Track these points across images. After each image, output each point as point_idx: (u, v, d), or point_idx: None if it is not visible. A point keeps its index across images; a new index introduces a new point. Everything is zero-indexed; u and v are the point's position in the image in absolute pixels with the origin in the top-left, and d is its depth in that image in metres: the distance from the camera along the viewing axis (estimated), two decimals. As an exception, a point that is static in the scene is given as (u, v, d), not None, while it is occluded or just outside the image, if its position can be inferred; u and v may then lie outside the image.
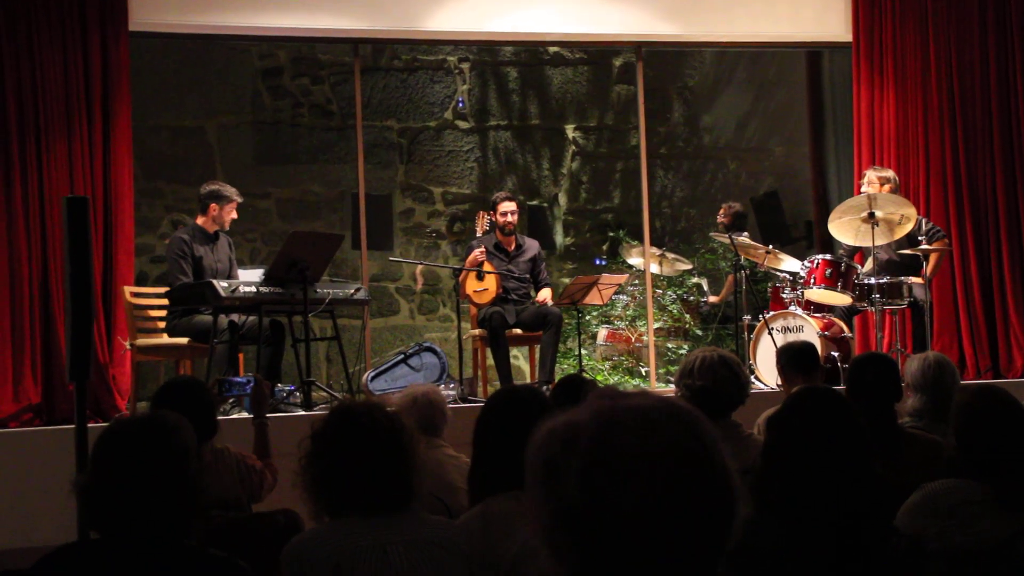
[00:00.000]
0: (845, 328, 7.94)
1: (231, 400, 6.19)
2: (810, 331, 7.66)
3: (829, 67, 10.88)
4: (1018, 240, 8.60)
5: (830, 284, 7.77)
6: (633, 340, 10.22)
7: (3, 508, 6.13)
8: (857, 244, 7.94)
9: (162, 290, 7.38)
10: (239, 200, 7.45)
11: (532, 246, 8.43)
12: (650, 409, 1.38)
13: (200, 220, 7.40)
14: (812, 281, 7.82)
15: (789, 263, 8.26)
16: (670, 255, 9.44)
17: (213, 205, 7.34)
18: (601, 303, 8.66)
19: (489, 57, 11.58)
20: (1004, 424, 3.18)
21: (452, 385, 7.66)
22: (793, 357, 5.38)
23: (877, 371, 4.29)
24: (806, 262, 7.97)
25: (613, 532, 1.32)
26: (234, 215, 7.44)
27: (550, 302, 8.14)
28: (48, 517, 5.74)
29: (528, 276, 8.31)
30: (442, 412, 4.58)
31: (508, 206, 8.21)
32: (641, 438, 1.34)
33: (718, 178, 12.31)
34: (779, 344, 7.64)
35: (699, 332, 10.80)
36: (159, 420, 2.57)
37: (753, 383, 7.35)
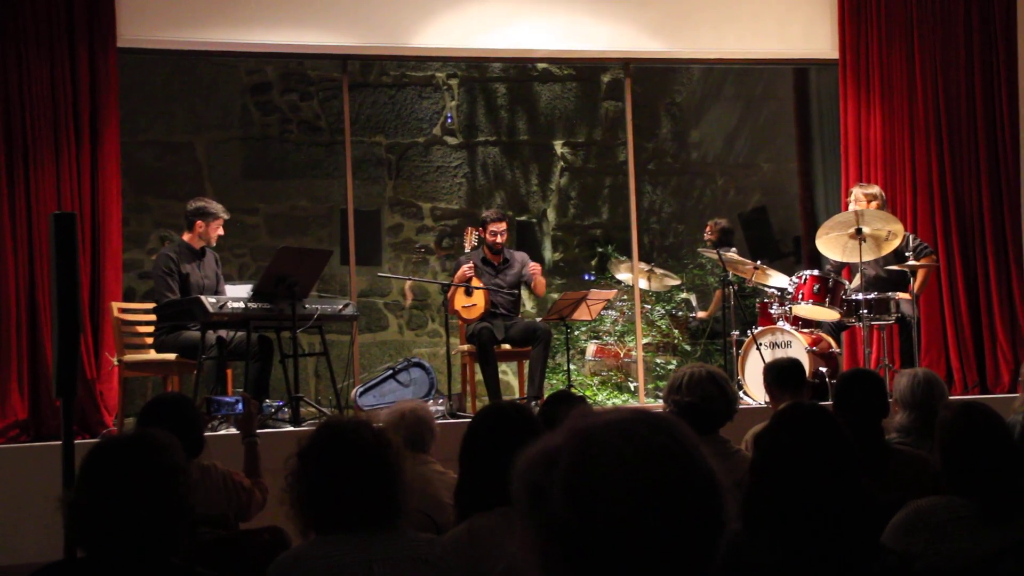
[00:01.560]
0: (833, 344, 7.96)
1: (219, 418, 6.17)
2: (798, 347, 7.67)
3: (816, 83, 10.93)
4: (1004, 256, 8.63)
5: (818, 300, 7.79)
6: (622, 355, 10.23)
7: (-11, 525, 6.10)
8: (845, 260, 7.96)
9: (150, 306, 7.36)
10: (225, 217, 7.44)
11: (518, 258, 8.41)
12: (624, 419, 1.40)
13: (186, 236, 7.39)
14: (800, 297, 7.84)
15: (777, 279, 8.28)
16: (658, 270, 9.45)
17: (199, 222, 7.33)
18: (590, 318, 8.66)
19: (477, 73, 11.61)
20: (987, 440, 3.18)
21: (441, 401, 7.66)
22: (780, 374, 5.40)
23: (864, 387, 4.30)
24: (794, 278, 7.99)
25: (605, 543, 1.33)
26: (220, 231, 7.43)
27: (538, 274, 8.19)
28: (34, 534, 5.71)
29: (517, 290, 8.32)
30: (430, 428, 4.57)
31: (499, 227, 8.21)
32: (618, 446, 1.36)
33: (706, 194, 12.35)
34: (767, 360, 7.65)
35: (688, 347, 10.81)
36: (149, 438, 2.56)
37: (741, 399, 7.36)
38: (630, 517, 1.32)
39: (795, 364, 5.56)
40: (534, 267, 8.28)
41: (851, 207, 7.95)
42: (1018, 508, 3.15)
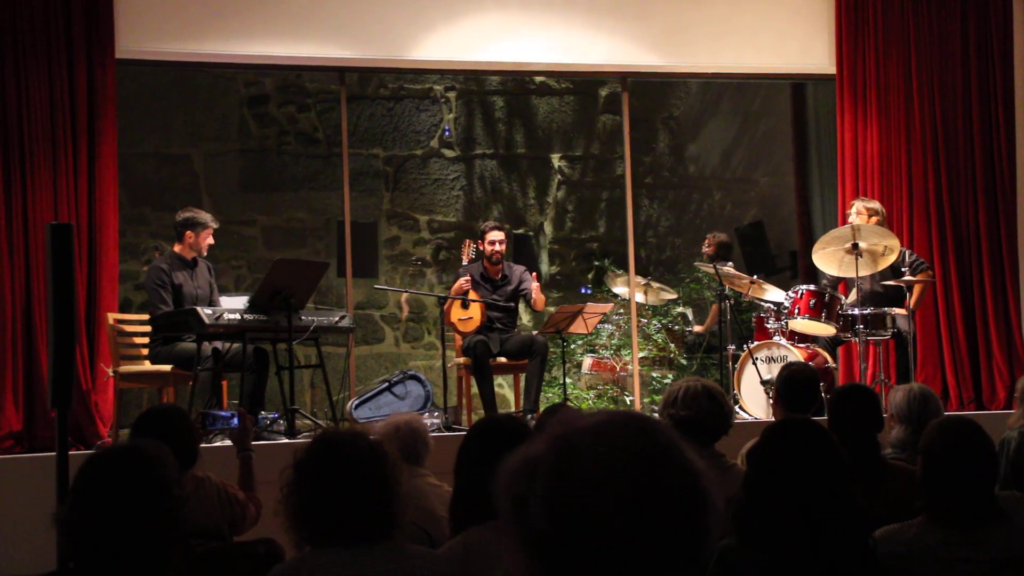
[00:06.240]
0: (829, 359, 7.96)
1: (214, 433, 6.16)
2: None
3: (813, 98, 10.95)
4: (1001, 272, 8.64)
5: (814, 314, 7.79)
6: (618, 369, 10.21)
7: (-18, 536, 6.09)
8: (841, 275, 7.97)
9: (145, 317, 7.36)
10: (215, 226, 7.45)
11: (517, 271, 8.40)
12: (601, 423, 1.38)
13: (177, 248, 7.40)
14: (796, 311, 7.84)
15: (773, 293, 8.28)
16: (655, 284, 9.44)
17: (189, 232, 7.34)
18: (586, 332, 8.66)
19: (475, 86, 11.62)
20: (963, 456, 3.11)
21: (436, 414, 7.65)
22: (791, 390, 5.07)
23: (858, 402, 4.29)
24: (790, 292, 7.99)
25: (587, 550, 1.32)
26: (211, 240, 7.44)
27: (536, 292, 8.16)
28: (28, 546, 5.70)
29: (513, 303, 8.31)
30: (424, 441, 4.56)
31: (496, 235, 8.23)
32: (595, 451, 1.34)
33: (703, 208, 12.35)
34: (763, 375, 7.65)
35: (684, 361, 10.80)
36: (140, 450, 2.55)
37: (737, 413, 7.36)
38: (609, 523, 1.31)
39: (811, 376, 5.19)
40: (534, 285, 8.21)
41: (851, 219, 7.96)
42: (991, 526, 3.09)
